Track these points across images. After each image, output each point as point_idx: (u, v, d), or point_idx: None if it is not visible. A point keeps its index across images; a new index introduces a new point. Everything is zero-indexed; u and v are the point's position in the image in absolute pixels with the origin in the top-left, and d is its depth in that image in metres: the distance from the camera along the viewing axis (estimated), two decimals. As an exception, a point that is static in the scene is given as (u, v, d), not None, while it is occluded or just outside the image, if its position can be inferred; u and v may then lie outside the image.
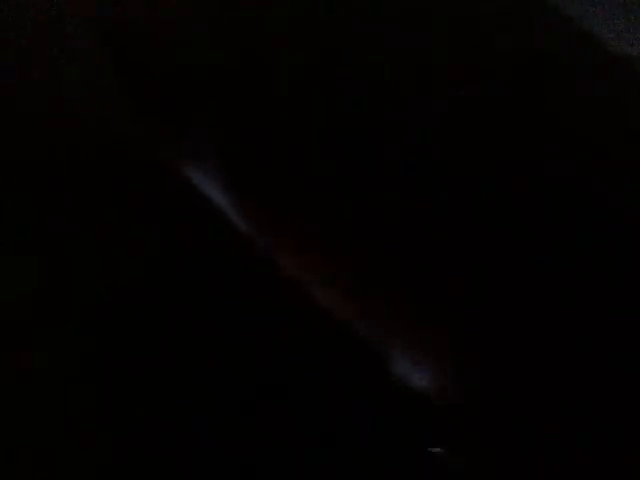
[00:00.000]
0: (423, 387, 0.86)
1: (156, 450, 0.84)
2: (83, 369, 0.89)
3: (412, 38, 1.03)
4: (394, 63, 1.01)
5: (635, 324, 0.86)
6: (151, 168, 0.99)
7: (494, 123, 0.97)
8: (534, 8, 1.08)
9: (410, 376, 0.86)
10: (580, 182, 0.93)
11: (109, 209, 0.97)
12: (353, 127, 0.96)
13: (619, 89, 1.06)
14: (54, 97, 1.04)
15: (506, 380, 0.85)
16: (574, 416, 0.83)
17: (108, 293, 0.92)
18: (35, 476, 0.83)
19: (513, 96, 1.00)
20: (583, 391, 0.83)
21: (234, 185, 0.97)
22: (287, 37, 1.01)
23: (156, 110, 1.01)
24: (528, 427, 0.84)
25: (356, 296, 0.90)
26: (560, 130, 0.98)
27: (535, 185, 0.91)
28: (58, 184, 0.98)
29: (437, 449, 0.83)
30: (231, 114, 0.98)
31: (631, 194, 0.95)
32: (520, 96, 1.00)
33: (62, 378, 0.88)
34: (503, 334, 0.86)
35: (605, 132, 0.99)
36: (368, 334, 0.89)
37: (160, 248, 0.95)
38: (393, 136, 0.95)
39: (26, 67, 1.06)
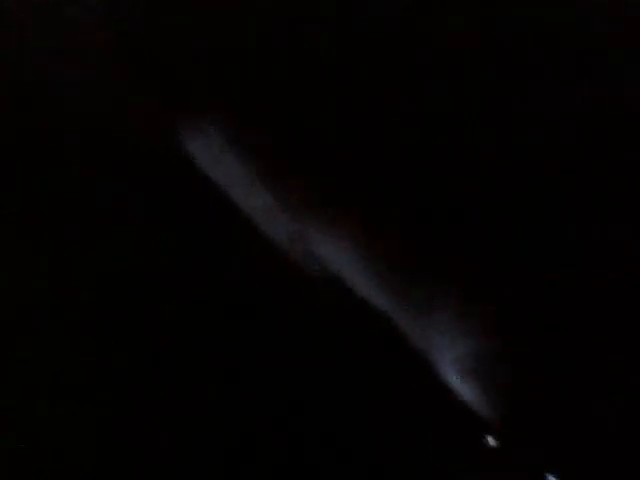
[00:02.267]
0: (475, 385, 0.85)
1: (162, 448, 0.81)
2: (83, 365, 0.86)
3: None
4: (395, 51, 0.99)
5: None
6: (164, 156, 0.97)
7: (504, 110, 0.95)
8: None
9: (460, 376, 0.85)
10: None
11: (117, 198, 0.95)
12: (366, 110, 0.94)
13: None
14: (64, 89, 1.03)
15: (552, 387, 0.84)
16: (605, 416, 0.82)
17: (113, 283, 0.90)
18: (35, 474, 0.81)
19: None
20: (620, 400, 0.82)
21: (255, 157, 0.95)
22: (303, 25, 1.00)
23: (174, 98, 0.99)
24: (569, 426, 0.83)
25: (396, 287, 0.88)
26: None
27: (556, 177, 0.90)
28: (67, 175, 0.96)
29: (490, 439, 0.83)
30: (246, 97, 0.96)
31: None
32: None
33: (62, 376, 0.85)
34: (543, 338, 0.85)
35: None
36: (409, 330, 0.87)
37: (165, 238, 0.93)
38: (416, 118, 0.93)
39: (34, 55, 1.04)
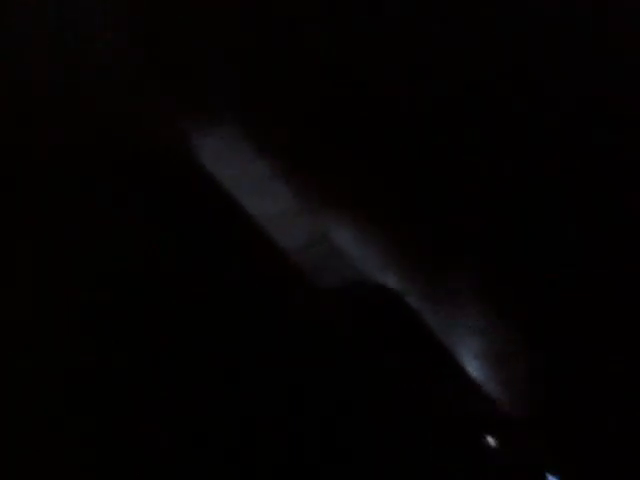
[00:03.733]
0: (482, 385, 0.85)
1: (167, 449, 0.82)
2: (82, 365, 0.86)
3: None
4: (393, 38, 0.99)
5: None
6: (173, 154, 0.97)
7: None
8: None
9: (471, 372, 0.85)
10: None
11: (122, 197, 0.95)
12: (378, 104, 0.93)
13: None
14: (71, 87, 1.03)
15: (555, 387, 0.84)
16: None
17: (113, 283, 0.90)
18: (34, 474, 0.81)
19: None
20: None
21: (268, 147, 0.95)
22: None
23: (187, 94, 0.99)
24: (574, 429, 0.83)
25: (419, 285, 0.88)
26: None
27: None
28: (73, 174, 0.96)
29: (491, 439, 0.83)
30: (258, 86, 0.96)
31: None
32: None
33: (61, 375, 0.86)
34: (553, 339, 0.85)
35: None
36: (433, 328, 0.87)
37: (167, 239, 0.93)
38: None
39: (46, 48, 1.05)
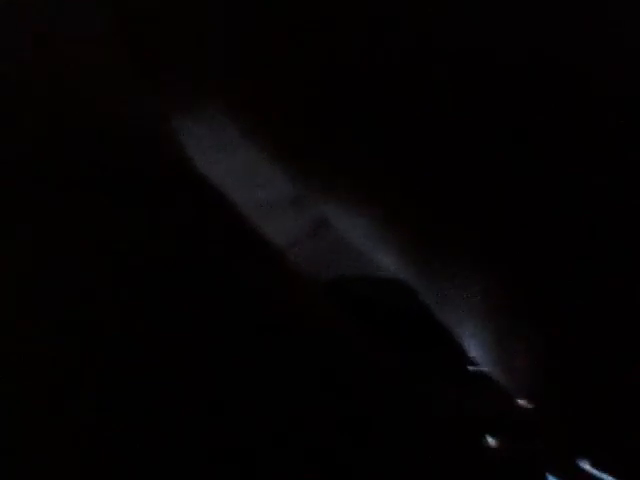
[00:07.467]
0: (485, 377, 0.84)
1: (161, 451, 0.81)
2: (80, 364, 0.86)
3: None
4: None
5: None
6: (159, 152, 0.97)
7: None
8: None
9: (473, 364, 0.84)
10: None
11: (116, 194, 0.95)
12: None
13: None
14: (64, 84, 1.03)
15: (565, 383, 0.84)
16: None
17: (110, 282, 0.90)
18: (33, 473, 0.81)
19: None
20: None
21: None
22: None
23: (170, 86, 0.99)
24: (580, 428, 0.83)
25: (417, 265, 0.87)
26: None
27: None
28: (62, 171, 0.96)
29: (492, 439, 0.82)
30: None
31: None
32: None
33: (60, 375, 0.85)
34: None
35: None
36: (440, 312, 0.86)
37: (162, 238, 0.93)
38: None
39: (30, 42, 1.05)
